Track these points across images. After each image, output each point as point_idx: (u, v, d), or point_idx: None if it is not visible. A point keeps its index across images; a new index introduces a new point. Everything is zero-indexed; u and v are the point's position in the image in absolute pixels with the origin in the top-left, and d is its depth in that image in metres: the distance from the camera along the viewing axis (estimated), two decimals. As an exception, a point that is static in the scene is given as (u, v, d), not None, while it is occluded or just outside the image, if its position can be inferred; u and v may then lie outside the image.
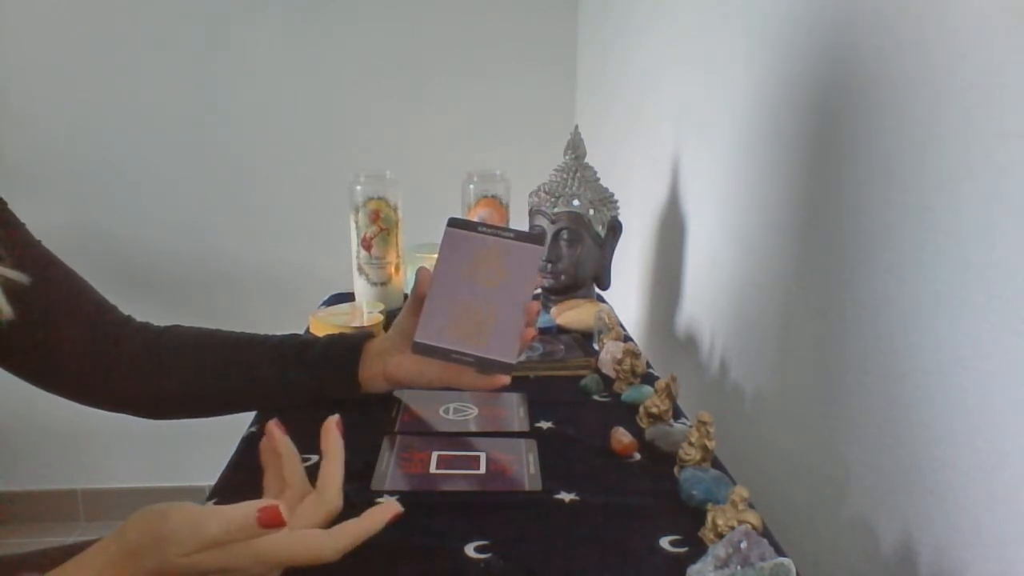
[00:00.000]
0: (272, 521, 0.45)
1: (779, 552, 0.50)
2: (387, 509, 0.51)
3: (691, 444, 0.66)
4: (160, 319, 0.83)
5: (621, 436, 0.72)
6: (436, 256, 0.70)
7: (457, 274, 0.69)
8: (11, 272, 0.63)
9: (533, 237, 0.70)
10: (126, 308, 0.80)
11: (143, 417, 0.79)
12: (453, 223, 0.71)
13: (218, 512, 0.45)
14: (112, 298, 0.79)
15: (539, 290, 1.15)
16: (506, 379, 0.71)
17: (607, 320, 0.99)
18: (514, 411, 0.80)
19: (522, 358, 0.96)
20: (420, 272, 0.71)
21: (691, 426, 0.67)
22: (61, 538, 2.05)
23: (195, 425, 0.81)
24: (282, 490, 0.55)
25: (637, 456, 0.71)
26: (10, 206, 0.71)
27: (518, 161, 1.46)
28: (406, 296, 1.08)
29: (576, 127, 1.17)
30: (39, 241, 0.73)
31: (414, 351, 0.68)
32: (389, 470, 0.67)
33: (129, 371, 0.75)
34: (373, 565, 0.54)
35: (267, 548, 0.46)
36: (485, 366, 0.66)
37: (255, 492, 0.55)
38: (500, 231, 0.70)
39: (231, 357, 0.77)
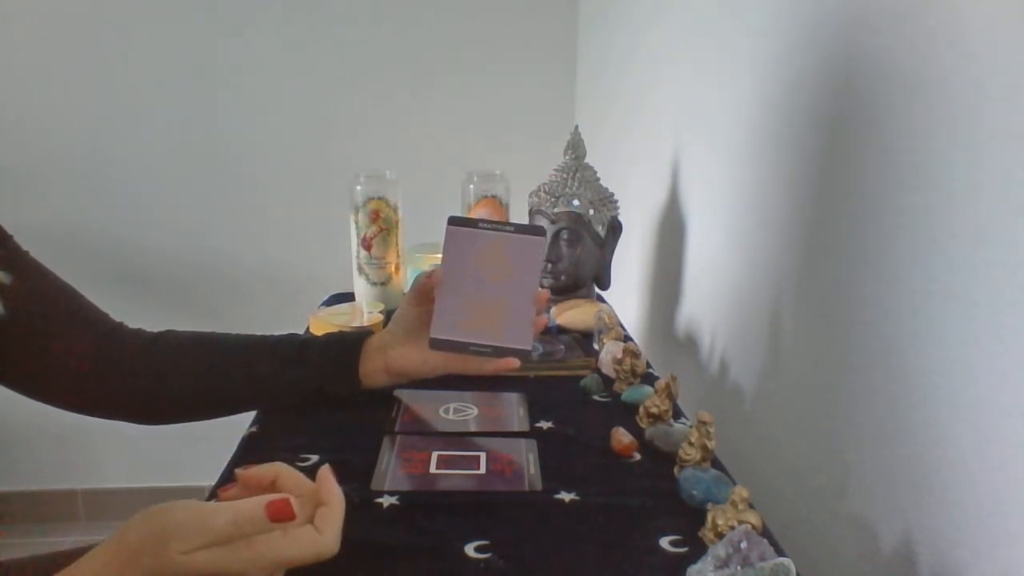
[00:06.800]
0: (282, 514, 0.44)
1: (779, 552, 0.50)
2: (325, 476, 0.50)
3: (691, 444, 0.66)
4: (159, 320, 0.82)
5: (621, 436, 0.72)
6: (437, 256, 0.71)
7: (463, 270, 0.71)
8: None
9: (533, 229, 0.71)
10: (124, 309, 0.80)
11: (140, 423, 0.79)
12: (454, 221, 0.72)
13: (225, 506, 0.44)
14: (110, 299, 0.78)
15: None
16: (515, 362, 0.72)
17: (607, 320, 0.99)
18: (514, 411, 0.80)
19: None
20: (419, 278, 0.73)
21: (691, 426, 0.67)
22: (61, 538, 2.05)
23: (195, 425, 0.81)
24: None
25: (637, 456, 0.71)
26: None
27: (518, 161, 1.46)
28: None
29: (576, 127, 1.17)
30: (27, 251, 0.72)
31: (432, 347, 0.70)
32: (389, 470, 0.67)
33: (123, 378, 0.75)
34: (373, 565, 0.54)
35: (265, 548, 0.45)
36: (503, 355, 0.70)
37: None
38: (500, 226, 0.71)
39: (230, 358, 0.77)
